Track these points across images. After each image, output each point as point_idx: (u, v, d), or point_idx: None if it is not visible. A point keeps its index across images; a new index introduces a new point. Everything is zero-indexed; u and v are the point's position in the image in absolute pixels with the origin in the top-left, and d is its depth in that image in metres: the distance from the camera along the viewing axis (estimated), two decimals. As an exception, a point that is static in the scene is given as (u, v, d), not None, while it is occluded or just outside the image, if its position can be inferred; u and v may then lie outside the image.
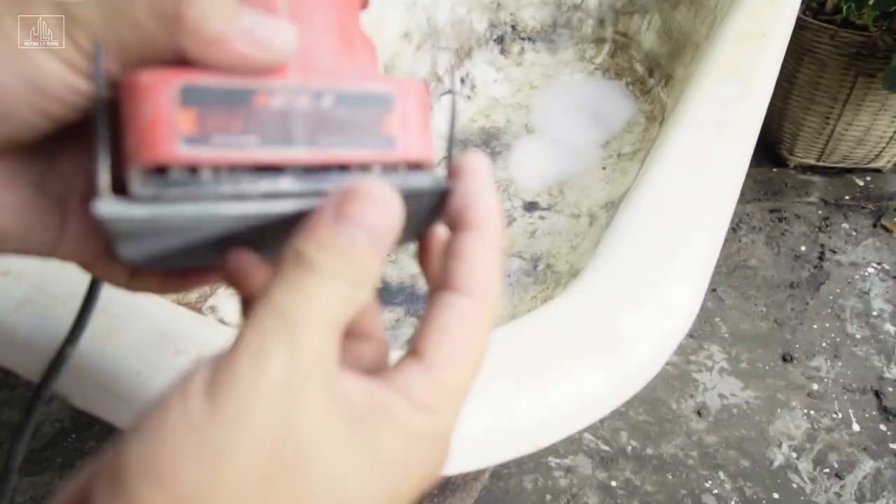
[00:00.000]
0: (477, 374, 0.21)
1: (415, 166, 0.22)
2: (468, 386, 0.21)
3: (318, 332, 0.17)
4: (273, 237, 0.21)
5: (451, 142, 0.24)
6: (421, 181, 0.22)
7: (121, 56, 0.19)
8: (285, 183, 0.20)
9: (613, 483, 0.94)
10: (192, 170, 0.19)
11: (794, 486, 0.95)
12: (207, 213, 0.19)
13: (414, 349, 0.21)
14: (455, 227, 0.22)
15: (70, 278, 0.40)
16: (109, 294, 0.39)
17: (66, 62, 0.19)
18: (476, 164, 0.23)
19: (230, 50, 0.19)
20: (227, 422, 0.15)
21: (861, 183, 1.43)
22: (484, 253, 0.21)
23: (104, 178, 0.18)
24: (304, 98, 0.20)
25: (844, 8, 1.21)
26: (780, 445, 0.99)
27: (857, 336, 1.14)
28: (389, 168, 0.22)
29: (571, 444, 0.97)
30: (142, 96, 0.18)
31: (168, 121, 0.18)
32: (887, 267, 1.25)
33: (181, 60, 0.19)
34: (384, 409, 0.19)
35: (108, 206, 0.18)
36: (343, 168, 0.21)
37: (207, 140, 0.19)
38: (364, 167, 0.21)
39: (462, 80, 1.13)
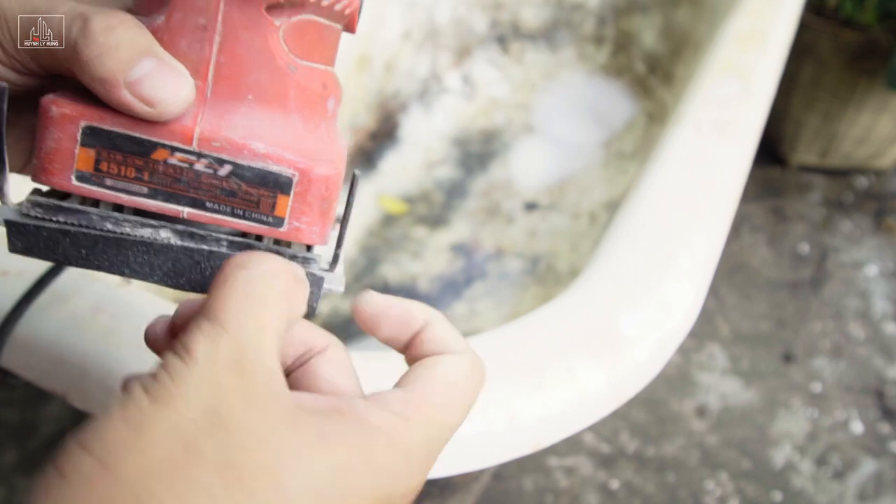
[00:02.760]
0: (459, 419, 0.21)
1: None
2: (447, 421, 0.21)
3: (252, 334, 0.18)
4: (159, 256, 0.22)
5: (344, 229, 0.24)
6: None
7: (37, 59, 0.20)
8: (164, 233, 0.21)
9: (614, 484, 0.94)
10: (85, 199, 0.21)
11: (796, 486, 0.94)
12: (90, 235, 0.21)
13: (397, 382, 0.21)
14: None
15: (70, 279, 0.40)
16: (109, 294, 0.39)
17: None
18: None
19: (116, 96, 0.19)
20: (155, 399, 0.17)
21: (863, 182, 1.42)
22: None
23: (4, 190, 0.21)
24: (202, 162, 0.21)
25: (846, 7, 1.21)
26: (781, 446, 0.99)
27: (859, 336, 1.14)
28: (276, 242, 0.23)
29: (572, 445, 0.97)
30: (49, 125, 0.20)
31: (67, 155, 0.20)
32: (889, 267, 1.25)
33: None
34: (343, 409, 0.19)
35: (5, 214, 0.21)
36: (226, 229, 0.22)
37: (100, 180, 0.20)
38: (247, 234, 0.22)
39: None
